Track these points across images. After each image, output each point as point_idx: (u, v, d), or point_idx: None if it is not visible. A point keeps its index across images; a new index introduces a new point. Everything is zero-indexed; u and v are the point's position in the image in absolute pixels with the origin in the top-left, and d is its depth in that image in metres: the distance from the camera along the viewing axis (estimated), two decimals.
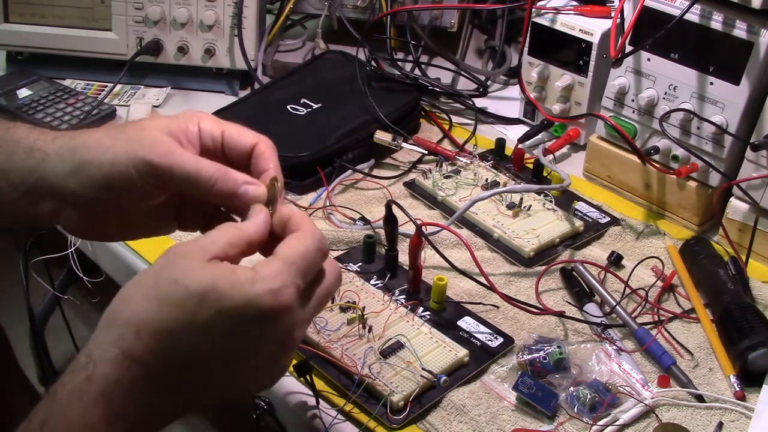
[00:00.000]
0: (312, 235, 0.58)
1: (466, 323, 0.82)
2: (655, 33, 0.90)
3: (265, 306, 0.53)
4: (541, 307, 0.85)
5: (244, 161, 0.65)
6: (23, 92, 1.16)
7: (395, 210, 0.84)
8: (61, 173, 0.62)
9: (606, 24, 1.04)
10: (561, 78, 1.09)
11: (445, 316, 0.83)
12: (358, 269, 0.88)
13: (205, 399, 0.57)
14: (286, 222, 0.61)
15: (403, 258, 0.86)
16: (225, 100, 1.19)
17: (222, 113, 1.09)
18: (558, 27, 1.06)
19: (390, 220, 0.85)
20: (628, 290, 0.87)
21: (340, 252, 0.91)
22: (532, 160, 1.05)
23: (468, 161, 1.04)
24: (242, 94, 1.23)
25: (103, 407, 0.51)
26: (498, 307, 0.85)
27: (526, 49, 1.11)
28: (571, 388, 0.74)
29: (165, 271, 0.54)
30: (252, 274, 0.54)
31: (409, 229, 0.85)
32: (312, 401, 0.74)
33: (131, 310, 0.54)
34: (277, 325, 0.55)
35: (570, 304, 0.86)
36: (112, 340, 0.53)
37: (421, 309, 0.83)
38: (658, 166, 0.97)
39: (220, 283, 0.53)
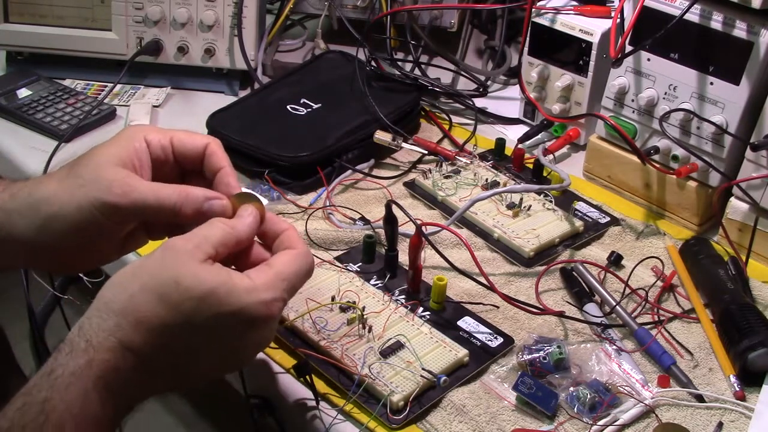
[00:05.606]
0: (305, 256, 0.64)
1: (466, 323, 0.82)
2: (655, 33, 0.90)
3: (255, 315, 0.59)
4: (541, 307, 0.85)
5: (196, 164, 0.68)
6: (23, 92, 1.16)
7: (395, 210, 0.84)
8: (29, 231, 0.64)
9: (606, 24, 1.04)
10: (561, 78, 1.09)
11: (445, 316, 0.83)
12: (358, 269, 0.88)
13: (188, 383, 0.62)
14: (279, 234, 0.65)
15: (403, 258, 0.86)
16: (225, 100, 1.19)
17: (222, 113, 1.09)
18: (558, 27, 1.06)
19: (390, 220, 0.85)
20: (628, 290, 0.87)
21: (340, 252, 0.91)
22: (532, 160, 1.05)
23: (468, 161, 1.04)
24: (242, 94, 1.23)
25: (101, 389, 0.56)
26: (498, 307, 0.85)
27: (526, 49, 1.11)
28: (571, 388, 0.74)
29: (164, 269, 0.58)
30: (248, 282, 0.59)
31: (409, 229, 0.85)
32: (312, 401, 0.74)
33: (129, 301, 0.57)
34: (262, 331, 0.62)
35: (570, 304, 0.86)
36: (110, 329, 0.57)
37: (421, 309, 0.83)
38: (658, 166, 0.97)
39: (219, 289, 0.57)
